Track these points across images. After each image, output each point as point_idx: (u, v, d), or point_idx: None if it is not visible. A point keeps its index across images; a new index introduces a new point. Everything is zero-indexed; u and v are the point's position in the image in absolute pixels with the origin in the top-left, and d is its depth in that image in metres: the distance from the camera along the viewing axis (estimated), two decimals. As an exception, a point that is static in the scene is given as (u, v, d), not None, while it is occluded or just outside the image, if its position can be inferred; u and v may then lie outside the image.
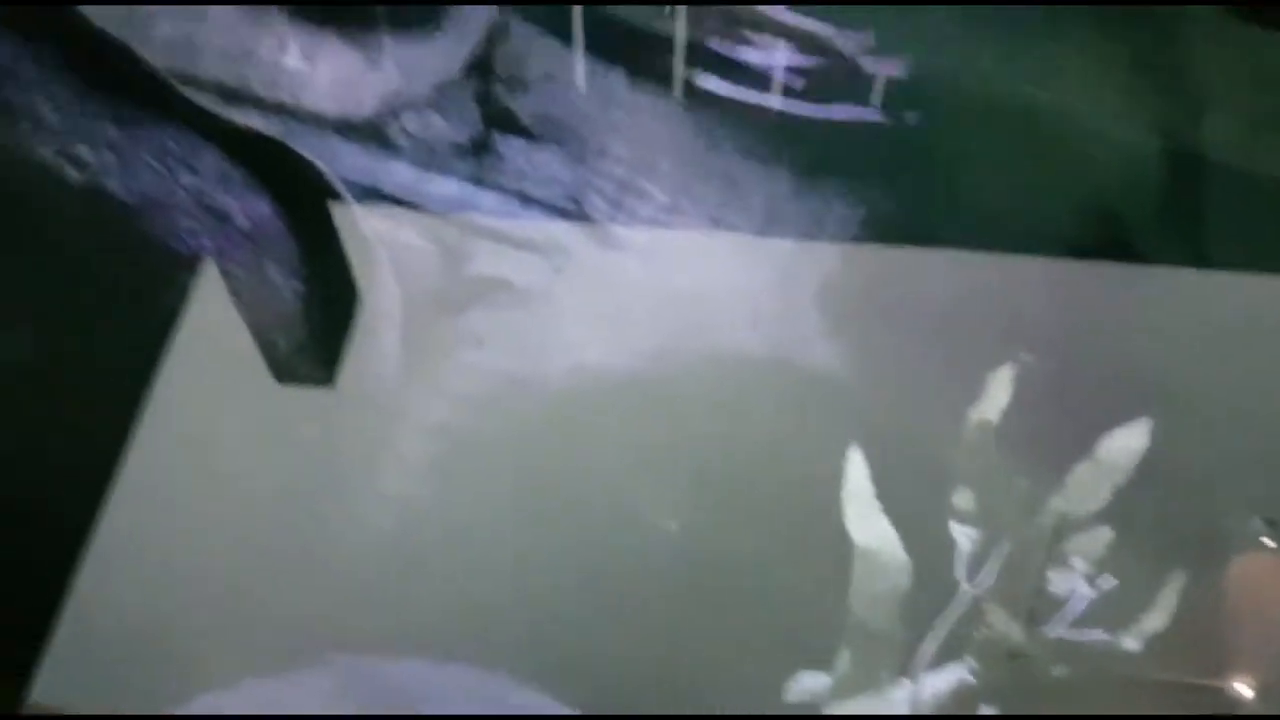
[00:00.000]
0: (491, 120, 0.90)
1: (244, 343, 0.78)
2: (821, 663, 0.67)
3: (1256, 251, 0.86)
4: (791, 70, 0.91)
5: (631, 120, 0.90)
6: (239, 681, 0.65)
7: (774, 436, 0.75)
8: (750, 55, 0.92)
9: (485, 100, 0.90)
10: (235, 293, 0.78)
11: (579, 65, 0.91)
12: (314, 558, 0.70)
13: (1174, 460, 0.70)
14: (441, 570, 0.70)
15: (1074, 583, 0.67)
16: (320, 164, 0.82)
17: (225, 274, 0.78)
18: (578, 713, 0.65)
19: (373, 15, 0.88)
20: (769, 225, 0.86)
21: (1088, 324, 0.81)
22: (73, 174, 0.76)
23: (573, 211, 0.87)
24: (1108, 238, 0.87)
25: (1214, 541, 0.71)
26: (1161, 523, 0.70)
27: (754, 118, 0.89)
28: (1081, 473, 0.68)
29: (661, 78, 0.90)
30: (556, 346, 0.80)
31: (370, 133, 0.85)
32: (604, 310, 0.82)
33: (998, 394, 0.70)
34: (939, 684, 0.66)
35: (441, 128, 0.88)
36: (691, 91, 0.90)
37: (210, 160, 0.79)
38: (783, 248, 0.85)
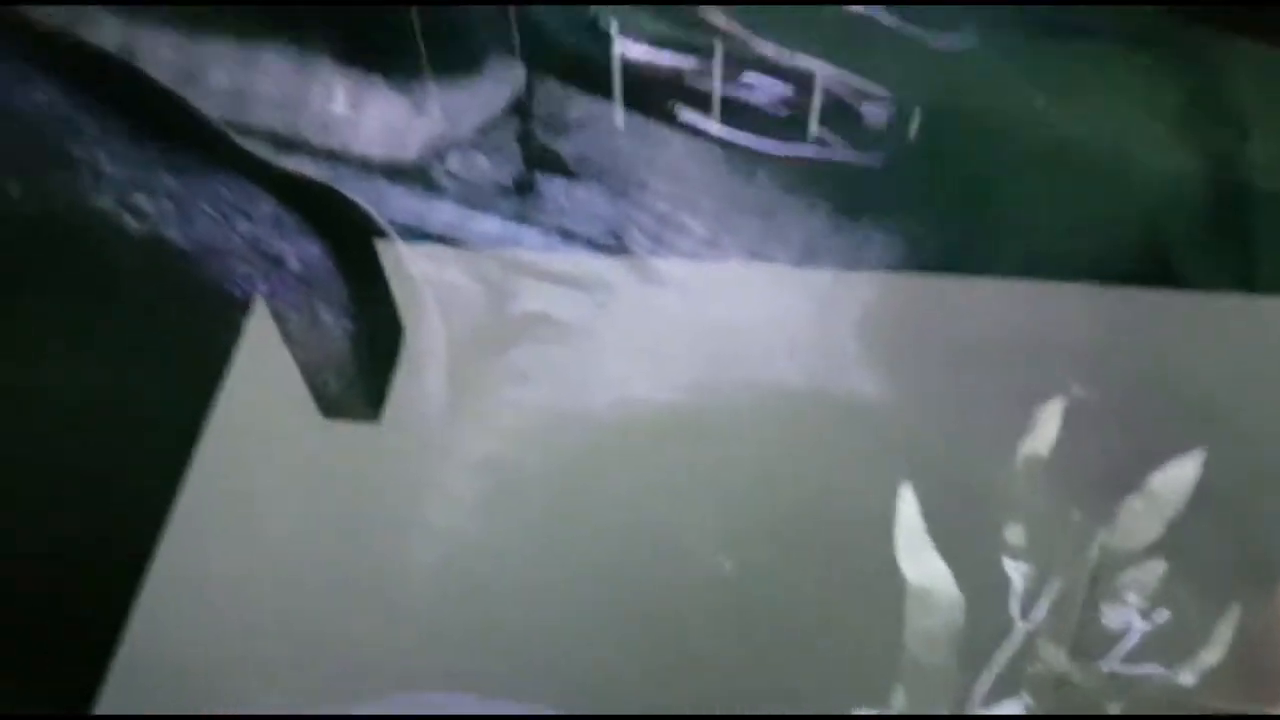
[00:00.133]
0: (533, 160, 0.90)
1: (293, 380, 0.79)
2: (876, 701, 0.66)
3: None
4: (790, 106, 0.91)
5: (670, 157, 0.91)
6: (291, 714, 0.66)
7: (819, 470, 0.75)
8: (746, 95, 0.92)
9: (527, 140, 0.91)
10: (287, 334, 0.79)
11: (618, 104, 0.92)
12: (363, 592, 0.70)
13: (1226, 489, 0.69)
14: (488, 604, 0.70)
15: (1128, 616, 0.66)
16: (368, 206, 0.83)
17: (277, 316, 0.79)
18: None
19: (417, 62, 0.90)
20: (808, 257, 0.86)
21: (1134, 351, 0.80)
22: (132, 223, 0.78)
23: (613, 247, 0.87)
24: (1150, 263, 0.86)
25: (1269, 572, 0.69)
26: (1215, 554, 0.69)
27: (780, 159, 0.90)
28: (1133, 505, 0.66)
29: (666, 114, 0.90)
30: (600, 380, 0.80)
31: (416, 175, 0.87)
32: (646, 343, 0.82)
33: (1047, 427, 0.69)
34: (993, 720, 0.65)
35: (485, 168, 0.89)
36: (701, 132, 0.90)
37: (264, 206, 0.81)
38: (822, 278, 0.85)
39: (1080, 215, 0.87)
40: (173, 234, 0.78)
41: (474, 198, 0.87)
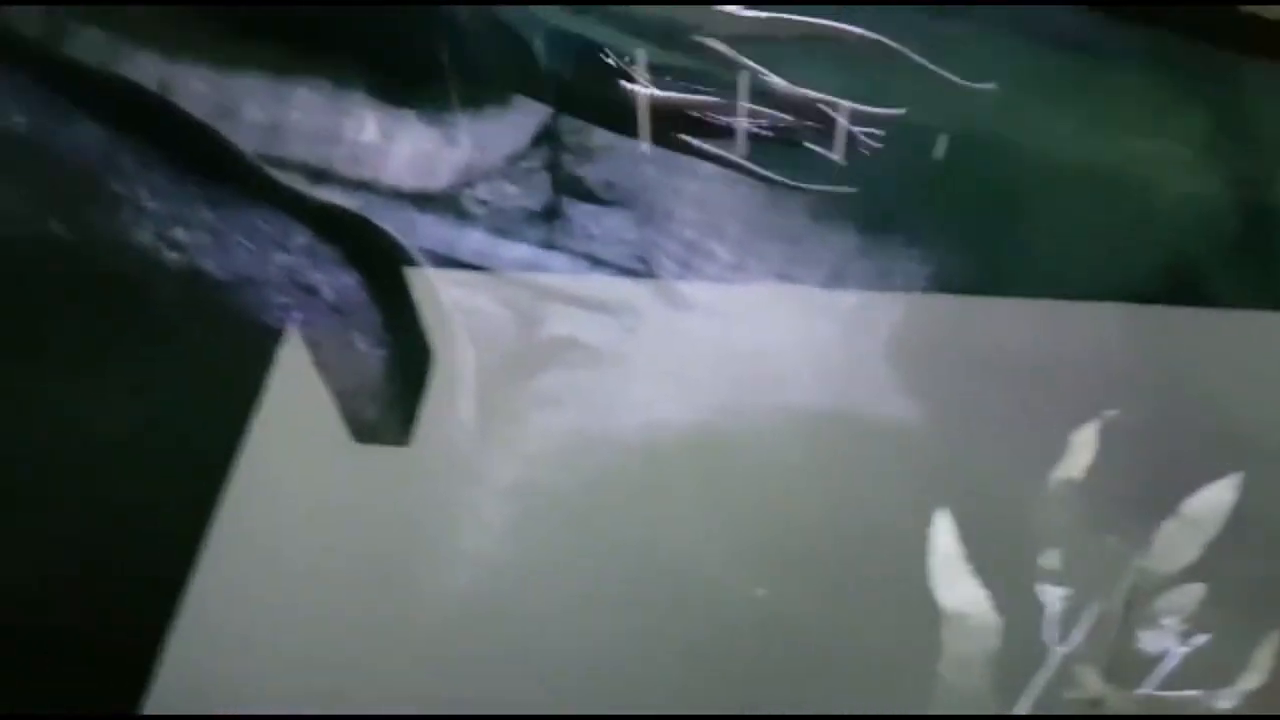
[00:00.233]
0: (560, 187, 0.91)
1: (325, 406, 0.79)
2: (912, 729, 0.65)
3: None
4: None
5: (696, 183, 0.91)
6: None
7: (849, 494, 0.74)
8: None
9: (554, 168, 0.92)
10: (321, 362, 0.80)
11: (644, 131, 0.92)
12: (394, 615, 0.70)
13: (1262, 511, 0.67)
14: (518, 628, 0.70)
15: (1165, 641, 0.65)
16: (399, 235, 0.84)
17: (312, 344, 0.80)
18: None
19: (447, 94, 0.91)
20: (835, 280, 0.86)
21: (1166, 370, 0.79)
22: (171, 255, 0.79)
23: (641, 271, 0.88)
24: (1180, 282, 0.85)
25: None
26: (1253, 577, 0.67)
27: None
28: (1169, 529, 0.65)
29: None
30: (628, 404, 0.80)
31: (446, 203, 0.87)
32: (674, 367, 0.82)
33: (1082, 451, 0.68)
34: (1030, 747, 0.64)
35: (513, 196, 0.90)
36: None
37: (299, 238, 0.82)
38: (850, 300, 0.84)
39: (1107, 236, 0.87)
40: (210, 266, 0.79)
41: (503, 225, 0.87)
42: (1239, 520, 0.67)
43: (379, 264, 0.82)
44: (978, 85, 0.87)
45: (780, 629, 0.69)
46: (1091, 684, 0.63)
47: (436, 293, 0.83)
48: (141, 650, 0.68)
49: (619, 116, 0.91)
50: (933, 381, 0.78)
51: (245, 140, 0.85)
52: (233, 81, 0.88)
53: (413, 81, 0.91)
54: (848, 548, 0.72)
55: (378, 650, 0.69)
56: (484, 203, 0.88)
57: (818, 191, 0.88)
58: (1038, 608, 0.67)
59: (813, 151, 0.90)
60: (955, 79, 0.88)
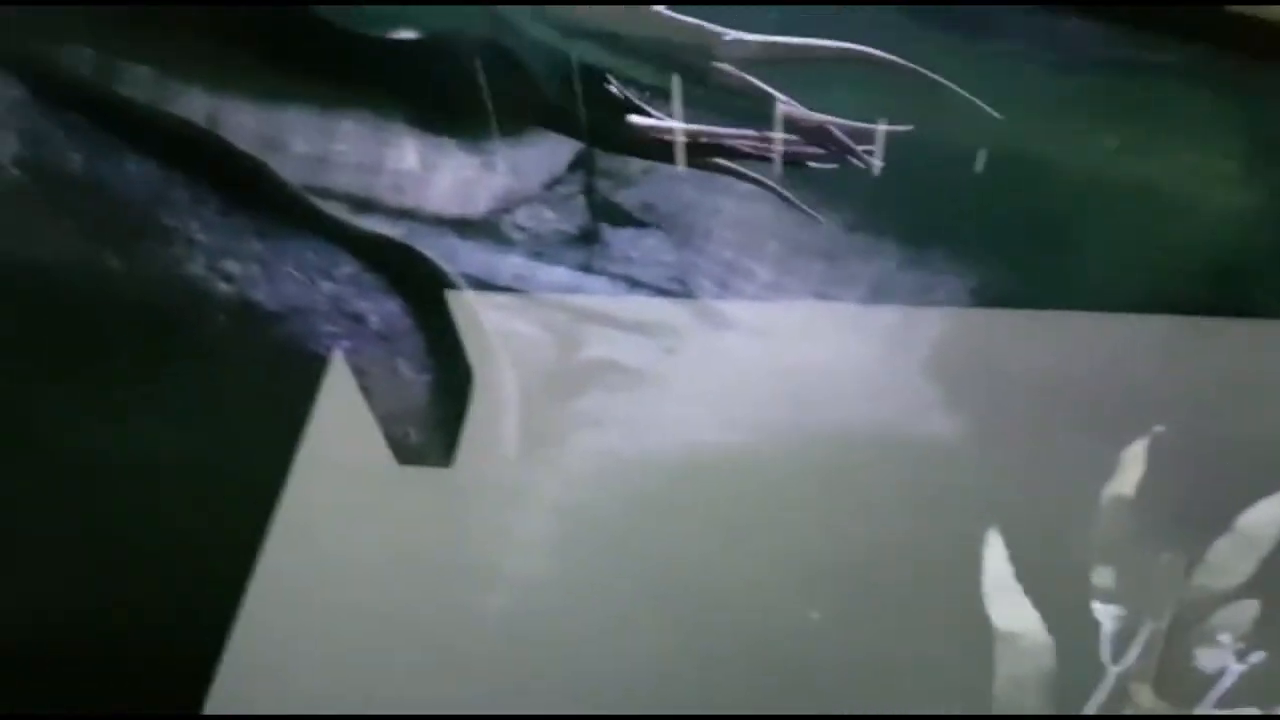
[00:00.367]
0: (598, 211, 0.92)
1: (369, 430, 0.80)
2: (968, 750, 0.64)
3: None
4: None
5: (733, 204, 0.91)
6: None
7: (896, 513, 0.73)
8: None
9: (591, 192, 0.93)
10: (367, 388, 0.81)
11: (679, 154, 0.93)
12: (440, 637, 0.71)
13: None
14: (561, 647, 0.70)
15: (1221, 658, 0.63)
16: (441, 261, 0.85)
17: (358, 371, 0.81)
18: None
19: (485, 123, 0.92)
20: (875, 296, 0.86)
21: (1214, 383, 0.78)
22: (222, 286, 0.81)
23: (679, 292, 0.88)
24: (1228, 294, 0.84)
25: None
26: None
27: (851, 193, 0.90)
28: (1223, 544, 0.64)
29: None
30: (669, 425, 0.80)
31: (486, 229, 0.88)
32: (715, 387, 0.82)
33: (1131, 468, 0.67)
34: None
35: (551, 220, 0.90)
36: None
37: (345, 267, 0.83)
38: (891, 316, 0.84)
39: (1150, 249, 0.86)
40: (260, 296, 0.81)
41: (542, 249, 0.88)
42: (1293, 534, 0.66)
43: (422, 290, 0.83)
44: (987, 107, 0.87)
45: (829, 650, 0.68)
46: (1147, 702, 0.62)
47: (477, 316, 0.83)
48: (195, 671, 0.69)
49: (641, 145, 0.92)
50: (976, 398, 0.77)
51: (292, 172, 0.86)
52: (279, 116, 0.90)
53: (451, 112, 0.92)
54: (894, 568, 0.71)
55: (424, 668, 0.69)
56: (523, 228, 0.89)
57: (854, 214, 0.88)
58: (1092, 626, 0.66)
59: (847, 172, 0.90)
60: (978, 102, 0.88)
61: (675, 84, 0.90)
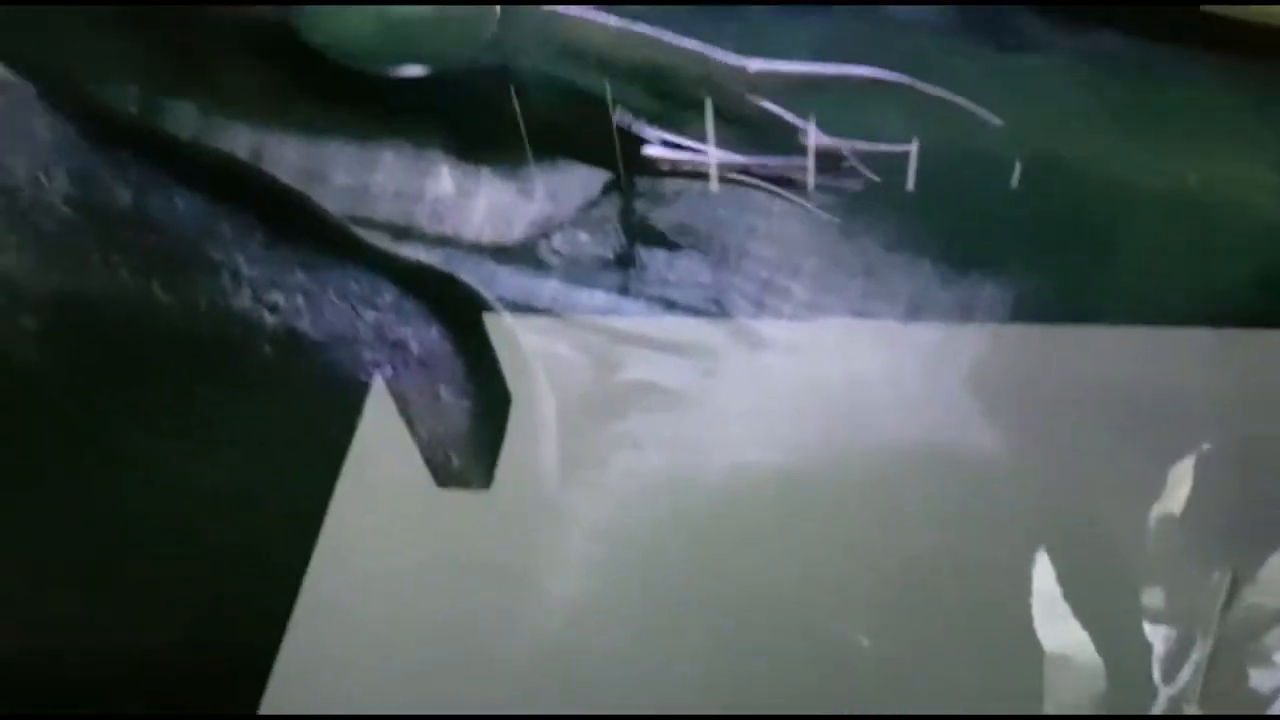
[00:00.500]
0: (634, 233, 0.92)
1: (408, 453, 0.81)
2: (1019, 774, 0.63)
3: None
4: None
5: (769, 223, 0.91)
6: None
7: (941, 532, 0.72)
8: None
9: (627, 215, 0.93)
10: (408, 414, 0.81)
11: (714, 174, 0.93)
12: (485, 663, 0.71)
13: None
14: (606, 672, 0.70)
15: (1276, 678, 0.62)
16: (479, 287, 0.86)
17: (399, 397, 0.81)
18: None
19: (522, 150, 0.94)
20: (915, 313, 0.85)
21: (1263, 395, 0.76)
22: (268, 318, 0.82)
23: (716, 313, 0.88)
24: (1273, 304, 0.82)
25: None
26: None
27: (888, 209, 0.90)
28: (1276, 563, 0.63)
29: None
30: (710, 446, 0.79)
31: (523, 254, 0.89)
32: (755, 407, 0.82)
33: (1180, 484, 0.66)
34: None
35: (587, 244, 0.91)
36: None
37: (387, 295, 0.84)
38: (932, 333, 0.83)
39: (1193, 260, 0.85)
40: (304, 326, 0.82)
41: (578, 273, 0.88)
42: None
43: (462, 316, 0.84)
44: (991, 117, 0.87)
45: (877, 673, 0.67)
46: (1205, 726, 0.62)
47: (515, 339, 0.84)
48: (241, 697, 0.70)
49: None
50: (1020, 415, 0.76)
51: (334, 203, 0.87)
52: (320, 148, 0.91)
53: (488, 140, 0.93)
54: (942, 589, 0.70)
55: (470, 690, 0.69)
56: (559, 252, 0.89)
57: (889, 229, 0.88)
58: (1143, 647, 0.64)
59: (878, 187, 0.90)
60: (991, 119, 0.87)
61: (707, 108, 0.90)
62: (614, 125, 0.93)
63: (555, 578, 0.74)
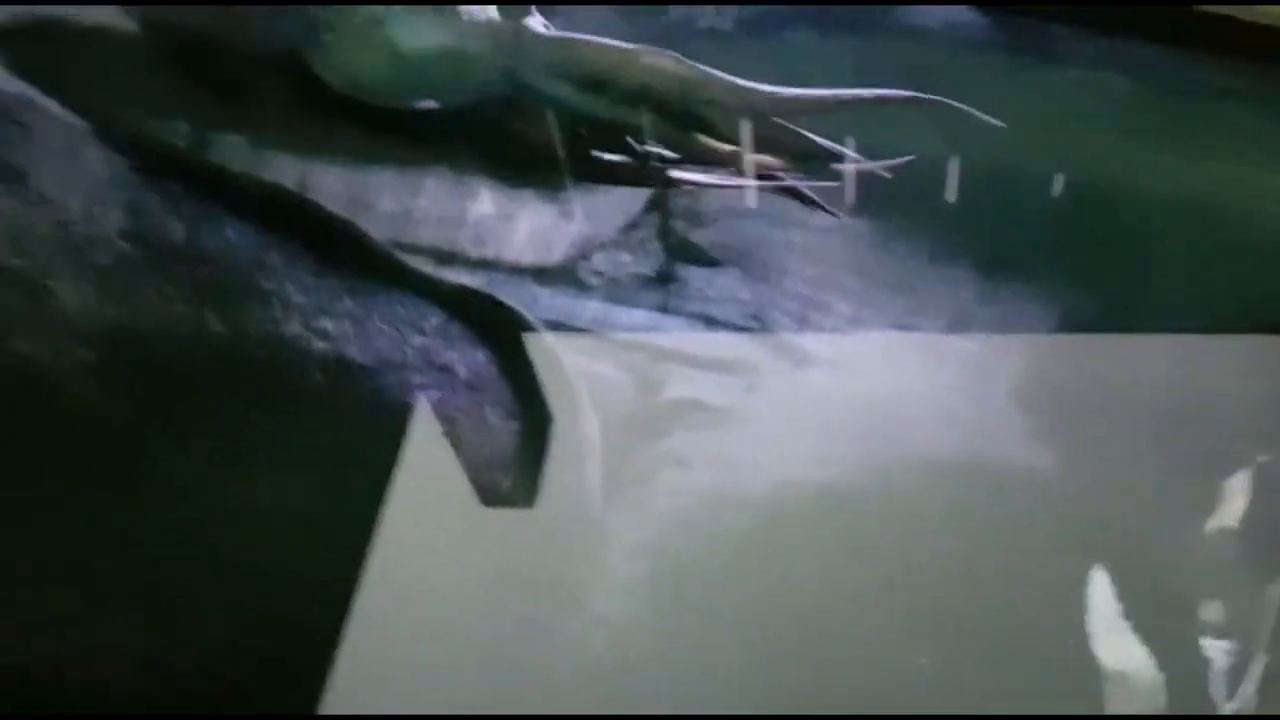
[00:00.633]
0: (673, 252, 0.93)
1: (454, 474, 0.81)
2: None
3: None
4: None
5: (809, 239, 0.92)
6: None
7: (991, 548, 0.71)
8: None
9: (666, 234, 0.94)
10: (455, 437, 0.82)
11: (750, 190, 0.94)
12: (538, 681, 0.70)
13: None
14: (653, 689, 0.69)
15: (1343, 693, 0.61)
16: (522, 309, 0.87)
17: (447, 421, 0.82)
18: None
19: (561, 173, 0.94)
20: (957, 325, 0.84)
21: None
22: (319, 344, 0.83)
23: (756, 328, 0.88)
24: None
25: None
26: None
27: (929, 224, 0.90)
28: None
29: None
30: (755, 462, 0.78)
31: (564, 275, 0.90)
32: (798, 423, 0.80)
33: (1235, 496, 0.65)
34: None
35: (628, 264, 0.91)
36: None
37: (433, 319, 0.84)
38: (975, 345, 0.82)
39: (1237, 267, 0.84)
40: (353, 352, 0.83)
41: (619, 293, 0.89)
42: None
43: (506, 338, 0.85)
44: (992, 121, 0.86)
45: (930, 692, 0.66)
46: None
47: (558, 359, 0.85)
48: (295, 713, 0.71)
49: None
50: (1068, 427, 0.75)
51: (379, 229, 0.88)
52: (365, 176, 0.93)
53: (528, 164, 0.94)
54: (994, 606, 0.68)
55: (515, 708, 0.69)
56: (600, 273, 0.90)
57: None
58: (1202, 663, 0.63)
59: (924, 198, 0.90)
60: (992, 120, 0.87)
61: (744, 129, 0.91)
62: (634, 147, 0.94)
63: (600, 595, 0.73)
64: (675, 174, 0.94)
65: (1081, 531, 0.68)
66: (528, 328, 0.85)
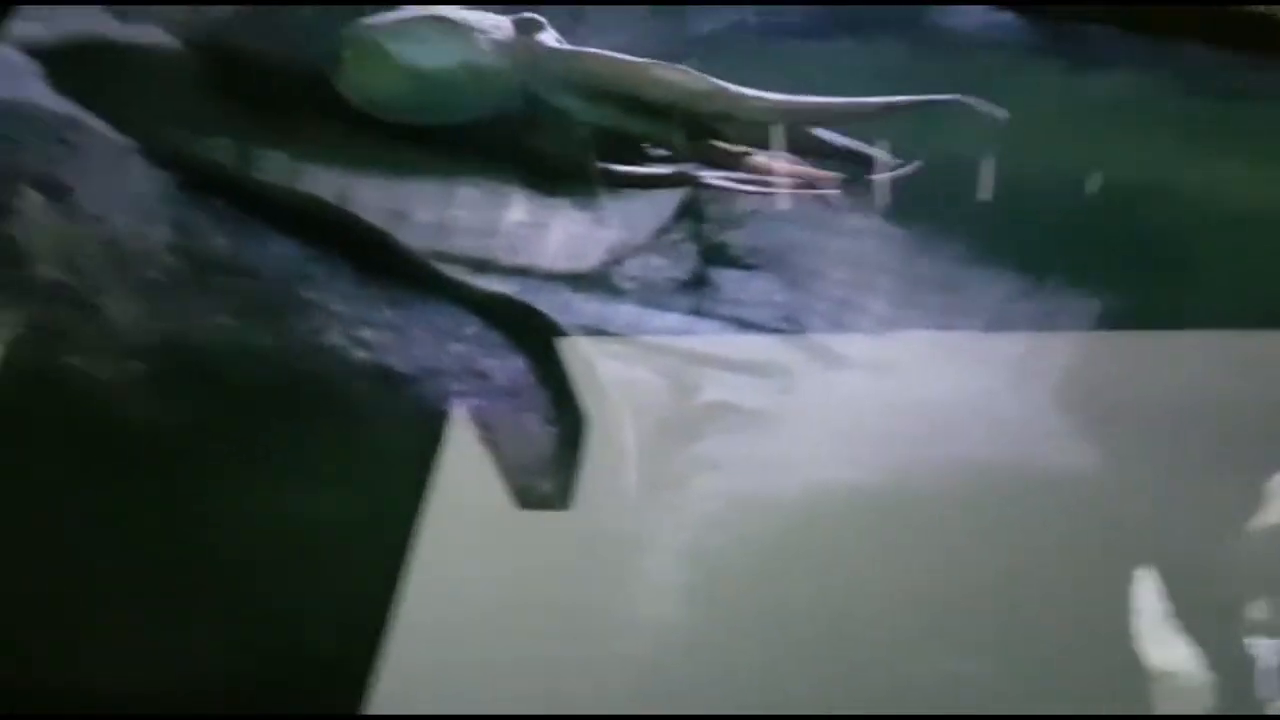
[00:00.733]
0: (706, 256, 0.93)
1: (490, 479, 0.82)
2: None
3: None
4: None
5: (842, 241, 0.91)
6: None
7: (1031, 550, 0.70)
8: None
9: (699, 238, 0.94)
10: (494, 443, 0.83)
11: (780, 194, 0.94)
12: (578, 686, 0.70)
13: None
14: (689, 692, 0.69)
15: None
16: (556, 315, 0.87)
17: (485, 427, 0.83)
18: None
19: (594, 180, 0.95)
20: (994, 326, 0.83)
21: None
22: (360, 354, 0.84)
23: (790, 331, 0.88)
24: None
25: None
26: None
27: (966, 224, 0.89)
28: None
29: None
30: (790, 465, 0.78)
31: (598, 281, 0.90)
32: (834, 425, 0.79)
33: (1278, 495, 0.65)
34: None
35: (661, 268, 0.92)
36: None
37: (470, 327, 0.85)
38: (1013, 343, 0.81)
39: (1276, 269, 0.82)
40: (394, 361, 0.83)
41: (652, 297, 0.88)
42: None
43: (542, 344, 0.86)
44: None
45: (972, 696, 0.65)
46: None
47: (592, 363, 0.85)
48: (342, 712, 0.72)
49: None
50: (1110, 426, 0.73)
51: (417, 240, 0.89)
52: (402, 187, 0.94)
53: (562, 172, 0.95)
54: (1038, 609, 0.67)
55: (553, 711, 0.70)
56: (634, 278, 0.90)
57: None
58: (1249, 663, 0.62)
59: (958, 199, 0.90)
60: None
61: (775, 137, 0.92)
62: (651, 155, 0.95)
63: (636, 598, 0.74)
64: (700, 175, 0.94)
65: (1125, 532, 0.66)
66: (563, 333, 0.86)
